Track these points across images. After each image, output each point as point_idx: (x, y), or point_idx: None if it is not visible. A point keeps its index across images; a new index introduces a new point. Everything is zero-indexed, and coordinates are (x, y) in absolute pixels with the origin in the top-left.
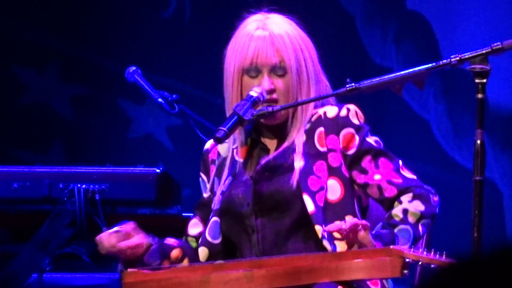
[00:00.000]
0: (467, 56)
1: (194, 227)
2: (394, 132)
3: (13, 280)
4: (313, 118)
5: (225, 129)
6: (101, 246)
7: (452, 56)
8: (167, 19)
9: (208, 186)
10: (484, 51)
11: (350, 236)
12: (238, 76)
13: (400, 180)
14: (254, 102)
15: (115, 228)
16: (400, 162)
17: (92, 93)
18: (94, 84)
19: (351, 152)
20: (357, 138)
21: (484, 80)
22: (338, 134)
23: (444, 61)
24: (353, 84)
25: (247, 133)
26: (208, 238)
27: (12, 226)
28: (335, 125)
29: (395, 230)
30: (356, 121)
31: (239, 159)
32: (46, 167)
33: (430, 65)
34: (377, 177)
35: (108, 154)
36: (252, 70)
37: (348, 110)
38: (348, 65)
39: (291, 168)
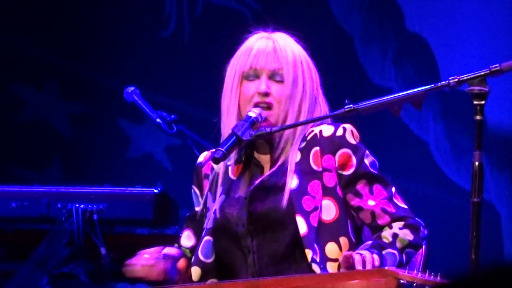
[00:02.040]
0: (465, 78)
1: (187, 240)
2: (392, 153)
3: None
4: (309, 137)
5: (223, 149)
6: (137, 272)
7: (450, 78)
8: (166, 38)
9: (201, 200)
10: (482, 73)
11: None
12: (237, 81)
13: (393, 210)
14: (253, 122)
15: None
16: (393, 189)
17: (91, 111)
18: (93, 102)
19: (347, 173)
20: (354, 159)
21: (483, 102)
22: (334, 154)
23: (443, 82)
24: (351, 105)
25: (241, 150)
26: (201, 257)
27: (10, 245)
28: (331, 144)
29: (383, 252)
30: (352, 141)
31: (233, 177)
32: (44, 187)
33: (428, 86)
34: (371, 203)
35: (106, 173)
36: (251, 74)
37: (344, 129)
38: (347, 84)
39: (283, 188)
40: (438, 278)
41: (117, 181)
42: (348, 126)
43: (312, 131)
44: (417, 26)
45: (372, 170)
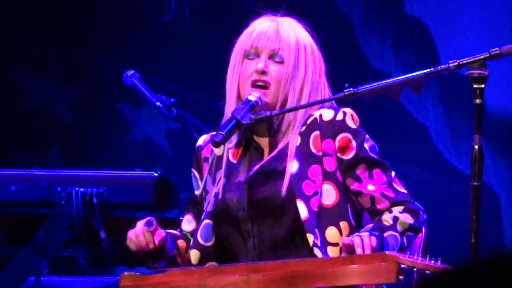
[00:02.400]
0: (465, 62)
1: (188, 224)
2: (392, 137)
3: (11, 283)
4: (309, 121)
5: (223, 133)
6: (136, 243)
7: (450, 62)
8: (166, 23)
9: (201, 183)
10: (482, 57)
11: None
12: (239, 60)
13: (392, 194)
14: (252, 106)
15: (146, 228)
16: (393, 174)
17: (91, 97)
18: (93, 88)
19: (347, 157)
20: (353, 143)
21: (482, 86)
22: (334, 138)
23: (443, 66)
24: (351, 89)
25: (241, 133)
26: (200, 240)
27: (9, 229)
28: (331, 129)
29: (385, 235)
30: (352, 125)
31: (233, 160)
32: (44, 170)
33: (428, 70)
34: (370, 187)
35: (107, 158)
36: (252, 53)
37: (345, 114)
38: (346, 69)
39: (283, 173)
40: (439, 263)
41: (117, 166)
42: (348, 110)
43: (312, 115)
44: (417, 10)
45: (372, 154)
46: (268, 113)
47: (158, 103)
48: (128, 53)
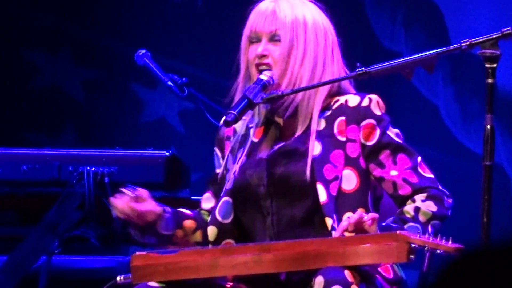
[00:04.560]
0: (477, 41)
1: (207, 202)
2: (402, 116)
3: (22, 262)
4: (334, 106)
5: (235, 112)
6: (114, 206)
7: (462, 41)
8: (179, 3)
9: (222, 162)
10: (494, 36)
11: (357, 230)
12: (245, 45)
13: (416, 179)
14: (264, 85)
15: (130, 192)
16: (419, 159)
17: (104, 77)
18: (106, 68)
19: (370, 143)
20: (378, 129)
21: (494, 65)
22: (358, 124)
23: (455, 45)
24: (363, 68)
25: (264, 113)
26: (218, 217)
27: (20, 209)
28: (357, 114)
29: (405, 226)
30: (377, 112)
31: (255, 139)
32: (55, 150)
33: (440, 49)
34: (393, 173)
35: (120, 138)
36: (254, 37)
37: (370, 100)
38: (357, 48)
39: (305, 154)
40: (450, 242)
41: (131, 146)
42: (374, 96)
43: (338, 100)
44: None
45: (396, 139)
46: (279, 93)
47: (169, 83)
48: (141, 33)
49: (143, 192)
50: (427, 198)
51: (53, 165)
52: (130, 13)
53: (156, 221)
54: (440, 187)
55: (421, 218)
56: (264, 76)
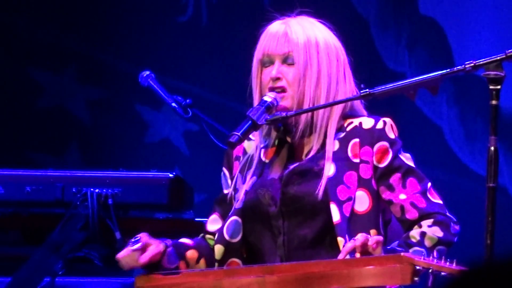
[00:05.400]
0: (481, 62)
1: (214, 223)
2: (406, 137)
3: (26, 283)
4: (348, 128)
5: (238, 134)
6: (124, 264)
7: (466, 63)
8: (184, 23)
9: (230, 182)
10: (498, 57)
11: (362, 252)
12: (257, 69)
13: (424, 204)
14: (268, 107)
15: (134, 247)
16: (429, 184)
17: (109, 96)
18: (111, 87)
19: (382, 165)
20: (390, 152)
21: (499, 87)
22: (372, 147)
23: (459, 67)
24: (367, 89)
25: (273, 134)
26: (226, 236)
27: (24, 229)
28: (370, 137)
29: (410, 250)
30: (391, 135)
31: (265, 160)
32: (59, 171)
33: (444, 71)
34: (402, 196)
35: (124, 158)
36: (266, 61)
37: (385, 123)
38: (361, 69)
39: (319, 174)
40: (454, 265)
41: (135, 167)
42: (388, 120)
43: (352, 122)
44: (431, 10)
45: (407, 163)
46: (283, 114)
47: (173, 104)
48: (146, 53)
49: (143, 237)
50: (433, 224)
51: (56, 186)
52: (135, 33)
53: (161, 258)
54: (448, 214)
55: (427, 243)
56: (268, 98)
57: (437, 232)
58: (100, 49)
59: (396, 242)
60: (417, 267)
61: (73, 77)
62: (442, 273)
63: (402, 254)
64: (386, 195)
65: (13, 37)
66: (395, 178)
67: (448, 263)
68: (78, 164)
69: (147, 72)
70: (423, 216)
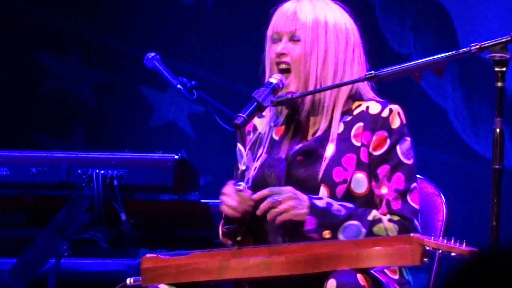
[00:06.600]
0: (487, 45)
1: None
2: (411, 120)
3: (31, 265)
4: (356, 111)
5: (244, 115)
6: (229, 206)
7: (472, 45)
8: (189, 5)
9: (245, 157)
10: (504, 40)
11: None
12: (268, 45)
13: (398, 206)
14: (274, 88)
15: (240, 187)
16: (414, 185)
17: (114, 79)
18: (116, 70)
19: (376, 153)
20: (388, 142)
21: (504, 69)
22: (373, 133)
23: (464, 49)
24: (372, 71)
25: (286, 112)
26: None
27: (29, 211)
28: (374, 123)
29: (348, 221)
30: (394, 125)
31: (276, 137)
32: (64, 153)
33: (450, 53)
34: (383, 190)
35: (130, 141)
36: (275, 38)
37: (391, 111)
38: (366, 51)
39: (321, 156)
40: (464, 246)
41: (141, 149)
42: (395, 107)
43: (360, 105)
44: None
45: (401, 157)
46: (289, 95)
47: (178, 86)
48: (151, 35)
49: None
50: (396, 222)
51: (62, 168)
52: (140, 16)
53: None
54: (416, 222)
55: (374, 229)
56: (273, 79)
57: (390, 229)
58: (105, 32)
59: (353, 209)
60: (427, 248)
61: (78, 60)
62: (452, 254)
63: (411, 234)
64: (372, 183)
65: (19, 21)
66: (383, 169)
67: (458, 244)
68: (83, 147)
69: (153, 54)
70: (392, 214)
